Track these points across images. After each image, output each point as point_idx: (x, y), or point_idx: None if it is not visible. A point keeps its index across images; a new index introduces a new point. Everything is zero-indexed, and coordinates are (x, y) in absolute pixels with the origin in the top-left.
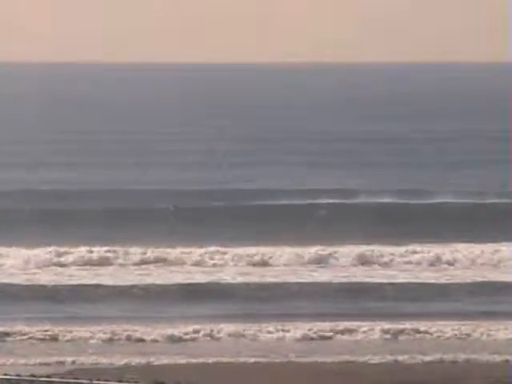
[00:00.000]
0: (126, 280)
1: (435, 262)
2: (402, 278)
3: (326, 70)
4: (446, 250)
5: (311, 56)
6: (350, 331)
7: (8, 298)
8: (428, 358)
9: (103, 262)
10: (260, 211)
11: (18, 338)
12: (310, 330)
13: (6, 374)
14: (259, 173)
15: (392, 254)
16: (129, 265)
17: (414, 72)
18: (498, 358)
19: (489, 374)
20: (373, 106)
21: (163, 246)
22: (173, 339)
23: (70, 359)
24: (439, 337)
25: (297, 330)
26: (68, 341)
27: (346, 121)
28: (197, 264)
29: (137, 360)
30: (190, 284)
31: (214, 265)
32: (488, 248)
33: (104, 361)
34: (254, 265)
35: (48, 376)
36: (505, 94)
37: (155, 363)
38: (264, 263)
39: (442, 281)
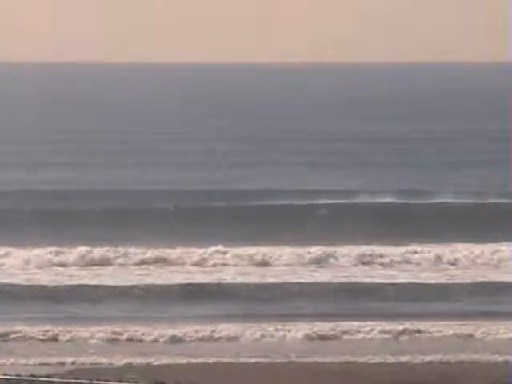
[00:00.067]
0: (126, 280)
1: (435, 262)
2: (402, 278)
3: (325, 70)
4: (446, 250)
5: (311, 56)
6: (350, 331)
7: (8, 298)
8: (428, 358)
9: (103, 262)
10: (260, 211)
11: (18, 338)
12: (310, 330)
13: (5, 374)
14: (259, 173)
15: (392, 254)
16: (129, 265)
17: (414, 72)
18: (498, 358)
19: (489, 374)
20: (373, 106)
21: (163, 246)
22: (173, 339)
23: (70, 359)
24: (439, 337)
25: (297, 330)
26: (68, 341)
27: (346, 121)
28: (197, 264)
29: (137, 360)
30: (190, 284)
31: (214, 265)
32: (488, 248)
33: (104, 361)
34: (254, 265)
35: (48, 376)
36: (505, 93)
37: (155, 363)
38: (264, 263)
39: (442, 281)
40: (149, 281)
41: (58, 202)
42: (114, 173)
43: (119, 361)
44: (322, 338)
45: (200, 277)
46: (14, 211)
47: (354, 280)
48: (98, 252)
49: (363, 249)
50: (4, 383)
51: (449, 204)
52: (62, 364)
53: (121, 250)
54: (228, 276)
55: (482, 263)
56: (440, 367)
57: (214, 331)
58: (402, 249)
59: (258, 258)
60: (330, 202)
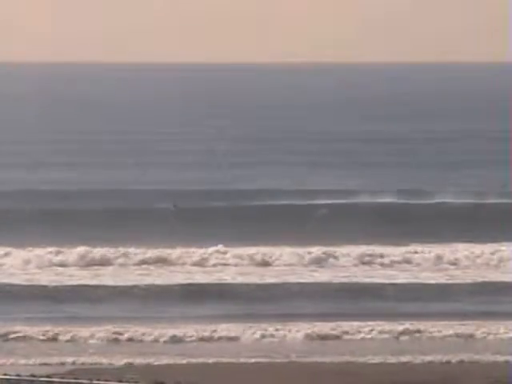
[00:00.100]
0: (126, 280)
1: (435, 262)
2: (402, 278)
3: (326, 70)
4: (446, 250)
5: (311, 56)
6: (350, 331)
7: (8, 298)
8: (429, 358)
9: (103, 262)
10: (260, 211)
11: (18, 338)
12: (310, 330)
13: (5, 374)
14: (259, 173)
15: (392, 254)
16: (129, 265)
17: (414, 72)
18: (498, 358)
19: (490, 374)
20: (373, 106)
21: (163, 245)
22: (173, 339)
23: (70, 359)
24: (440, 337)
25: (297, 330)
26: (68, 341)
27: (346, 121)
28: (197, 264)
29: (137, 360)
30: (190, 284)
31: (214, 265)
32: (488, 248)
33: (104, 361)
34: (254, 265)
35: (48, 376)
36: (505, 93)
37: (155, 363)
38: (264, 263)
39: (443, 281)
40: (149, 281)
41: (58, 202)
42: (113, 173)
43: (119, 361)
44: (323, 338)
45: (200, 277)
46: (13, 211)
47: (354, 280)
48: (98, 252)
49: (363, 249)
50: (4, 383)
51: (449, 204)
52: (62, 364)
53: (121, 249)
54: (228, 276)
55: (482, 263)
56: (440, 367)
57: (214, 331)
58: (402, 249)
59: (258, 257)
60: (329, 202)
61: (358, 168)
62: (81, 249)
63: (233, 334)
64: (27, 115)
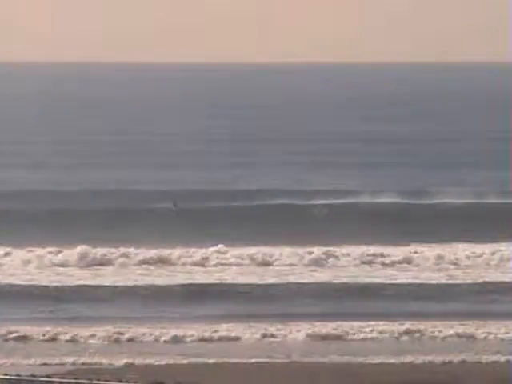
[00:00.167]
0: (127, 280)
1: (435, 262)
2: (402, 278)
3: (326, 70)
4: (446, 250)
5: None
6: (351, 331)
7: (8, 298)
8: (430, 358)
9: (103, 262)
10: (260, 211)
11: (19, 338)
12: (311, 330)
13: (6, 374)
14: (259, 173)
15: (392, 254)
16: (129, 265)
17: (414, 72)
18: (498, 358)
19: (491, 373)
20: (373, 106)
21: (163, 246)
22: (173, 339)
23: (70, 359)
24: (441, 337)
25: (298, 330)
26: (68, 341)
27: (346, 121)
28: (197, 264)
29: (137, 360)
30: (190, 284)
31: (215, 265)
32: (488, 248)
33: (104, 361)
34: (255, 265)
35: (48, 376)
36: (505, 93)
37: (156, 363)
38: (264, 263)
39: (443, 281)
40: (149, 281)
41: (58, 202)
42: (113, 173)
43: (119, 361)
44: (323, 338)
45: (200, 277)
46: (13, 211)
47: (354, 280)
48: (98, 252)
49: (363, 249)
50: (4, 383)
51: (449, 204)
52: (62, 364)
53: (121, 250)
54: (228, 276)
55: (483, 263)
56: (442, 367)
57: (214, 331)
58: (403, 249)
59: (259, 257)
60: (330, 202)
61: (358, 168)
62: (81, 249)
63: (233, 334)
64: (27, 115)
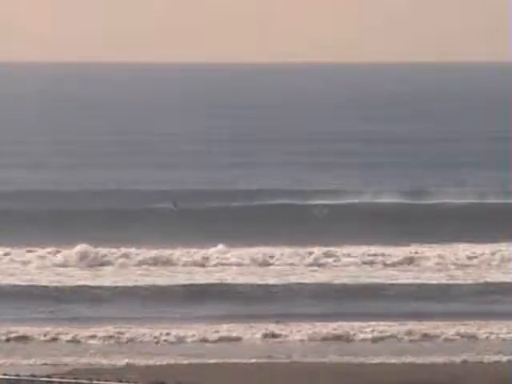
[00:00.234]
0: (127, 280)
1: (436, 262)
2: (403, 278)
3: (326, 70)
4: (447, 251)
5: (311, 56)
6: (351, 331)
7: (8, 298)
8: (431, 359)
9: (104, 262)
10: (260, 211)
11: (19, 338)
12: (311, 330)
13: (5, 374)
14: (259, 173)
15: (393, 255)
16: (129, 265)
17: (414, 72)
18: (500, 358)
19: (493, 373)
20: (373, 106)
21: (164, 246)
22: (174, 340)
23: (70, 359)
24: (442, 337)
25: (298, 330)
26: (68, 341)
27: (346, 121)
28: (198, 264)
29: (137, 360)
30: (190, 284)
31: (215, 265)
32: (489, 248)
33: (104, 361)
34: (255, 265)
35: (48, 376)
36: (505, 93)
37: (156, 363)
38: (265, 263)
39: (444, 281)
40: (149, 281)
41: (58, 202)
42: (114, 173)
43: (119, 361)
44: (324, 338)
45: (201, 277)
46: (13, 211)
47: (355, 280)
48: (98, 252)
49: (364, 249)
50: (4, 383)
51: (449, 204)
52: (62, 364)
53: (121, 250)
54: (229, 276)
55: (483, 263)
56: (443, 367)
57: (215, 331)
58: (403, 249)
59: (259, 258)
60: (330, 202)
61: (358, 168)
62: (81, 249)
63: (234, 335)
64: (27, 115)
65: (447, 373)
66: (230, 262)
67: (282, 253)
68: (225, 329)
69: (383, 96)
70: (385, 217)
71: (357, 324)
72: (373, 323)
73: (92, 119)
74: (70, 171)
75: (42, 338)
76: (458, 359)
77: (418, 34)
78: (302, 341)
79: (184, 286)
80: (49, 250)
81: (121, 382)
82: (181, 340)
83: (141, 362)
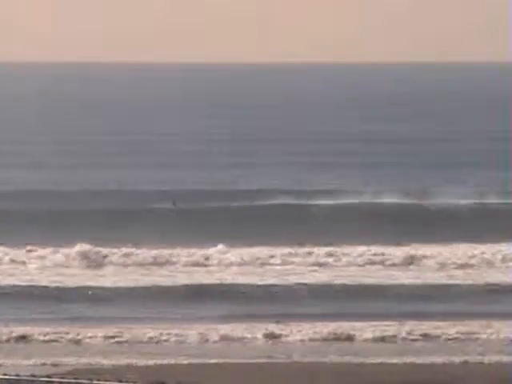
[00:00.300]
0: (127, 280)
1: (436, 262)
2: (403, 278)
3: (326, 70)
4: (447, 251)
5: (311, 56)
6: (352, 332)
7: (8, 298)
8: (431, 359)
9: (104, 262)
10: (260, 211)
11: (19, 338)
12: (312, 330)
13: (5, 374)
14: (259, 173)
15: (393, 255)
16: (130, 265)
17: (414, 72)
18: (501, 358)
19: (493, 374)
20: (373, 106)
21: (164, 246)
22: (174, 340)
23: (70, 359)
24: (443, 337)
25: (298, 330)
26: (69, 341)
27: (346, 121)
28: (198, 264)
29: (137, 360)
30: (190, 284)
31: (215, 265)
32: (489, 248)
33: (104, 361)
34: (255, 265)
35: (48, 376)
36: (505, 93)
37: (156, 363)
38: (265, 263)
39: (444, 281)
40: (150, 281)
41: (58, 202)
42: (113, 173)
43: (120, 361)
44: (324, 338)
45: (201, 277)
46: (13, 211)
47: (355, 280)
48: (98, 252)
49: (364, 249)
50: (4, 383)
51: (449, 204)
52: (62, 364)
53: (122, 250)
54: (229, 276)
55: (483, 263)
56: (444, 368)
57: (215, 331)
58: (404, 249)
59: (259, 258)
60: (330, 202)
61: (358, 168)
62: (81, 249)
63: (234, 335)
64: (27, 115)
65: (447, 373)
66: (230, 262)
67: (282, 253)
68: (225, 329)
69: (383, 96)
70: (385, 217)
71: (357, 324)
72: (373, 323)
73: (92, 119)
74: (70, 171)
75: (42, 337)
76: (458, 359)
77: (418, 33)
78: (302, 341)
79: (184, 286)
80: (49, 250)
81: (121, 381)
82: (181, 340)
83: (141, 362)
